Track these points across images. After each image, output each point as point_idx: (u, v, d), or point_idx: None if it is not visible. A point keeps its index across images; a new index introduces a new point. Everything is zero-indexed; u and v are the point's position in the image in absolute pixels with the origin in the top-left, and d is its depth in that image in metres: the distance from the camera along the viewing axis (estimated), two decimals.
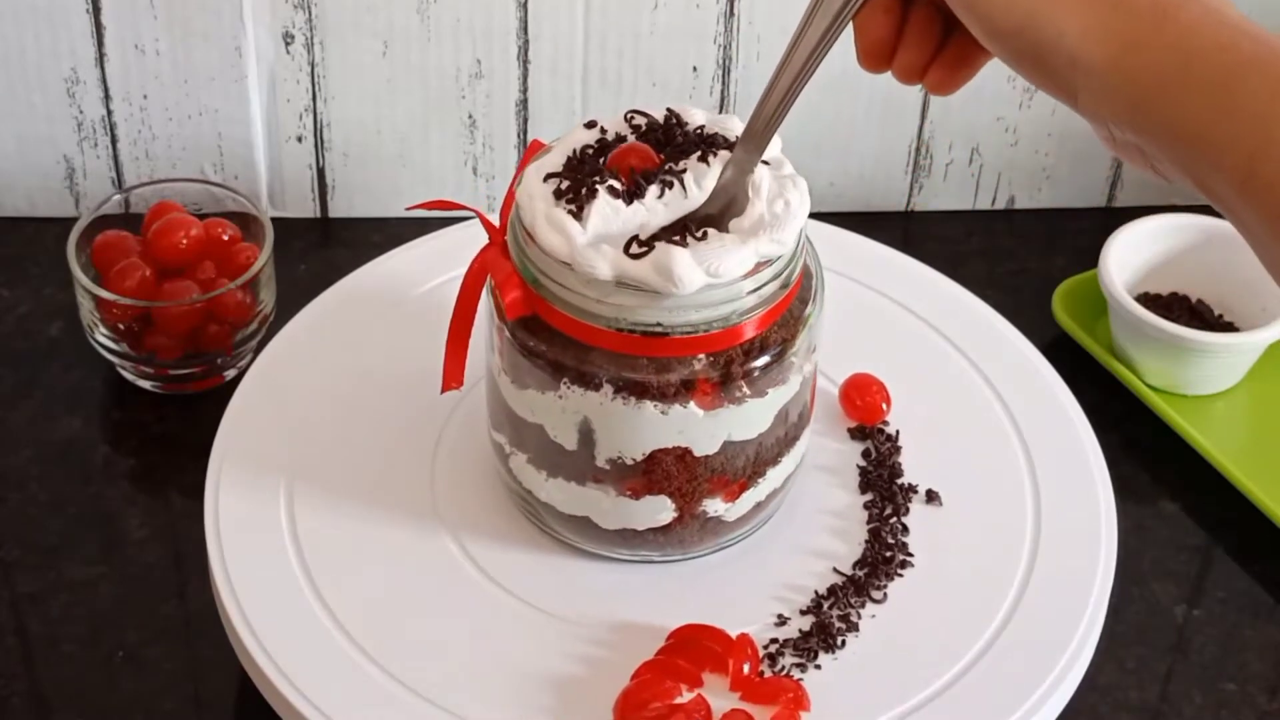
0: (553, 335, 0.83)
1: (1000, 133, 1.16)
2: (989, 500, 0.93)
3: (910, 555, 0.90)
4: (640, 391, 0.82)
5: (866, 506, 0.92)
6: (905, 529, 0.91)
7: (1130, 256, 1.08)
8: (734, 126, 0.84)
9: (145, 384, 1.04)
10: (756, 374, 0.83)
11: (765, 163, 0.83)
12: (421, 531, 0.90)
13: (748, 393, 0.83)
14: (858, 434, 0.96)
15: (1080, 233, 1.17)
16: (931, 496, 0.92)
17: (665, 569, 0.90)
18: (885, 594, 0.88)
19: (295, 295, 1.04)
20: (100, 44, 1.08)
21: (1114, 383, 1.06)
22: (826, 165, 1.15)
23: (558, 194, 0.81)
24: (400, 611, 0.87)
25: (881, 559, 0.89)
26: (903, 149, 1.16)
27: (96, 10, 1.07)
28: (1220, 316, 1.09)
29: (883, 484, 0.93)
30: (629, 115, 0.85)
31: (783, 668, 0.85)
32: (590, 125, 0.85)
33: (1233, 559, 0.99)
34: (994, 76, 1.13)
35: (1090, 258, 1.08)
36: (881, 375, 0.98)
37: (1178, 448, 1.03)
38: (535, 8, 1.08)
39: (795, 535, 0.91)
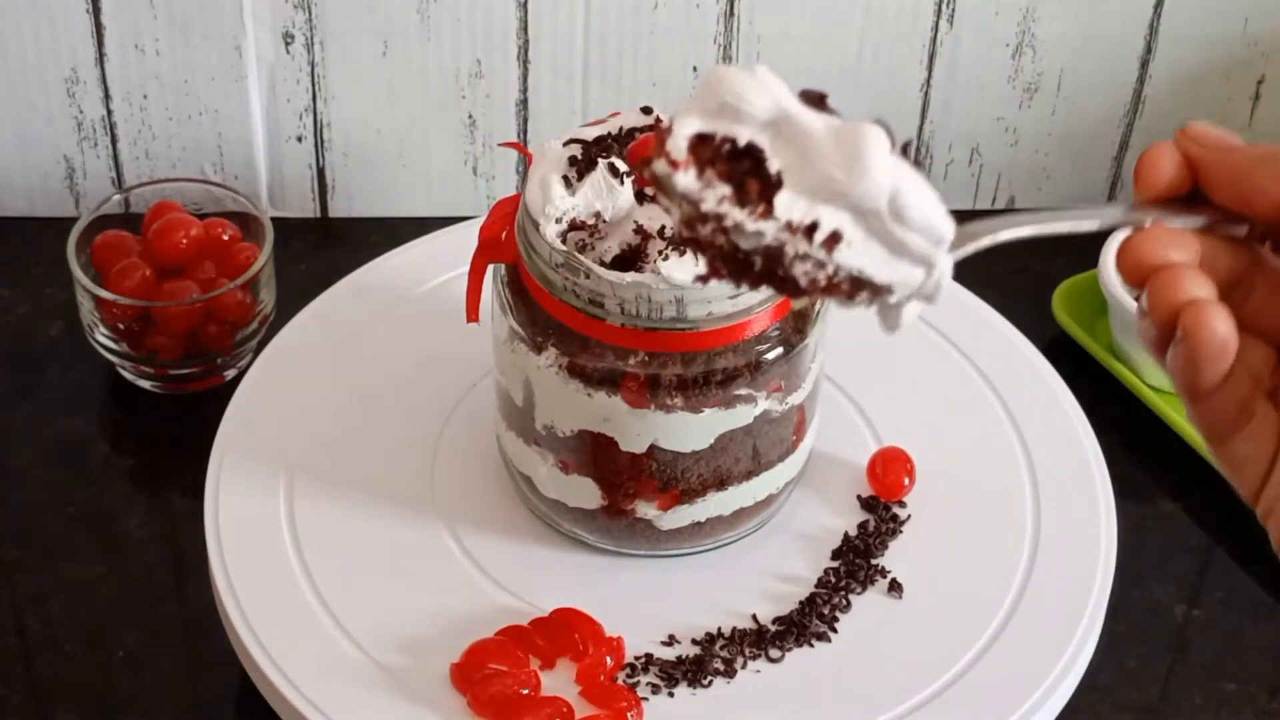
0: (522, 289, 0.84)
1: (1000, 133, 1.16)
2: (988, 500, 0.93)
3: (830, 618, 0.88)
4: (571, 368, 0.83)
5: (827, 572, 0.90)
6: (882, 549, 0.91)
7: None
8: None
9: (145, 384, 1.04)
10: (692, 388, 0.83)
11: None
12: (422, 531, 0.90)
13: (679, 403, 0.83)
14: (868, 504, 0.93)
15: (1080, 233, 1.17)
16: (894, 587, 0.89)
17: (667, 569, 0.90)
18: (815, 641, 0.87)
19: (295, 295, 1.04)
20: (100, 44, 1.08)
21: (1114, 383, 1.06)
22: None
23: (571, 160, 0.84)
24: (401, 611, 0.87)
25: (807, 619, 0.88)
26: None
27: (96, 10, 1.07)
28: None
29: (856, 558, 0.90)
30: None
31: (637, 683, 0.85)
32: (647, 111, 0.87)
33: (1233, 559, 0.99)
34: (994, 76, 1.13)
35: (1090, 258, 1.08)
36: (881, 375, 0.98)
37: (1178, 448, 1.03)
38: (535, 8, 1.08)
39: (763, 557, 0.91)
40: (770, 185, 0.54)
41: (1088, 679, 0.88)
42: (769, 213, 0.54)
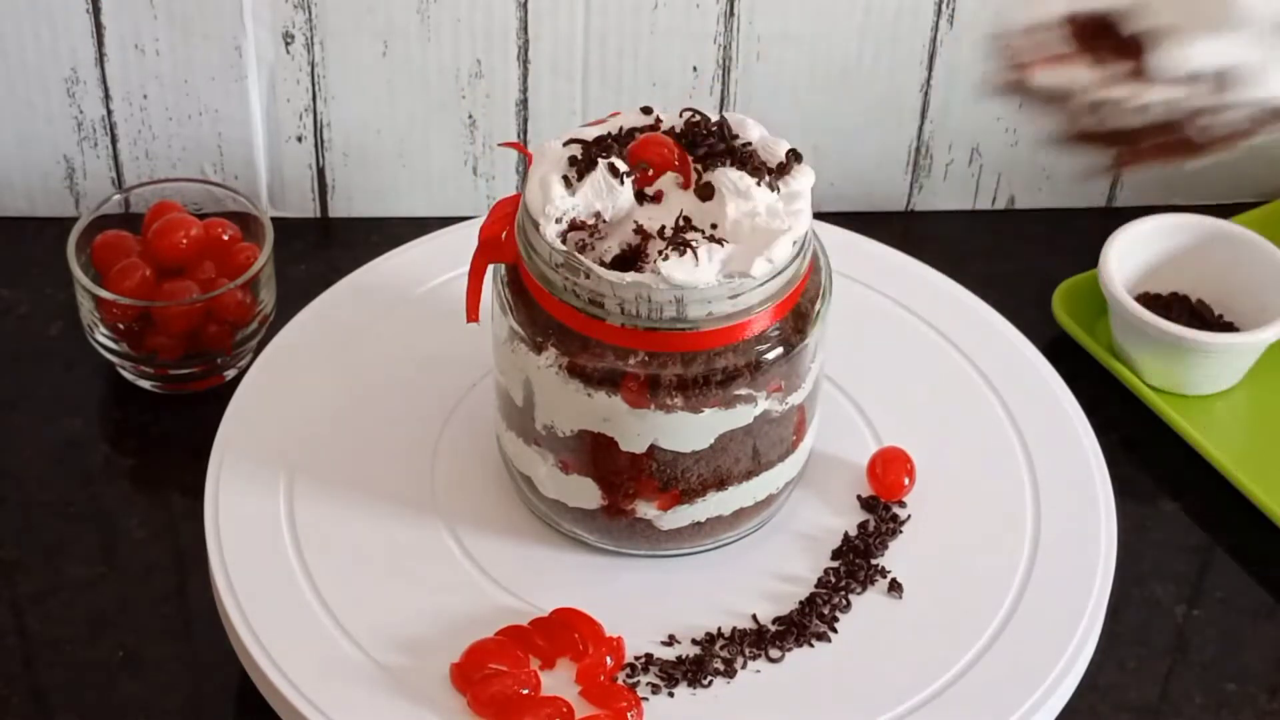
0: (522, 289, 0.84)
1: (1000, 133, 1.16)
2: (988, 500, 0.93)
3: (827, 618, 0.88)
4: (572, 368, 0.83)
5: (827, 572, 0.90)
6: (882, 548, 0.91)
7: (1130, 256, 1.08)
8: (779, 152, 0.85)
9: (145, 384, 1.04)
10: (692, 388, 0.83)
11: (775, 189, 0.83)
12: (422, 531, 0.90)
13: (679, 403, 0.83)
14: (868, 504, 0.93)
15: (1080, 233, 1.17)
16: (894, 587, 0.89)
17: (667, 569, 0.90)
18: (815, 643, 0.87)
19: (295, 295, 1.04)
20: (100, 44, 1.08)
21: (1114, 383, 1.06)
22: (827, 165, 1.15)
23: (571, 160, 0.84)
24: (401, 611, 0.87)
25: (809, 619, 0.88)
26: (903, 149, 1.16)
27: (96, 10, 1.07)
28: (1220, 316, 1.09)
29: (856, 558, 0.90)
30: (683, 111, 0.87)
31: (637, 683, 0.85)
32: (647, 111, 0.87)
33: (1233, 559, 0.99)
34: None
35: (1090, 258, 1.08)
36: (881, 375, 0.98)
37: (1178, 448, 1.03)
38: (535, 8, 1.08)
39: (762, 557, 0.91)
40: (1144, 46, 0.48)
41: (1088, 679, 0.88)
42: (1152, 76, 0.49)
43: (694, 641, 0.86)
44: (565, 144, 0.85)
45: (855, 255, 1.04)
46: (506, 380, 0.88)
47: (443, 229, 1.05)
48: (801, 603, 0.88)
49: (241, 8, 1.07)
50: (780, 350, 0.84)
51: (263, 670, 0.84)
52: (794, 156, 0.85)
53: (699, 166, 0.85)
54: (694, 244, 0.81)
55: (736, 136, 0.86)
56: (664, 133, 0.86)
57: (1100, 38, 0.49)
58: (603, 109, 1.11)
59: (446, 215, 1.14)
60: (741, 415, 0.84)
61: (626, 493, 0.87)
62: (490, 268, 0.87)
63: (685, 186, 0.84)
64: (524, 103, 1.12)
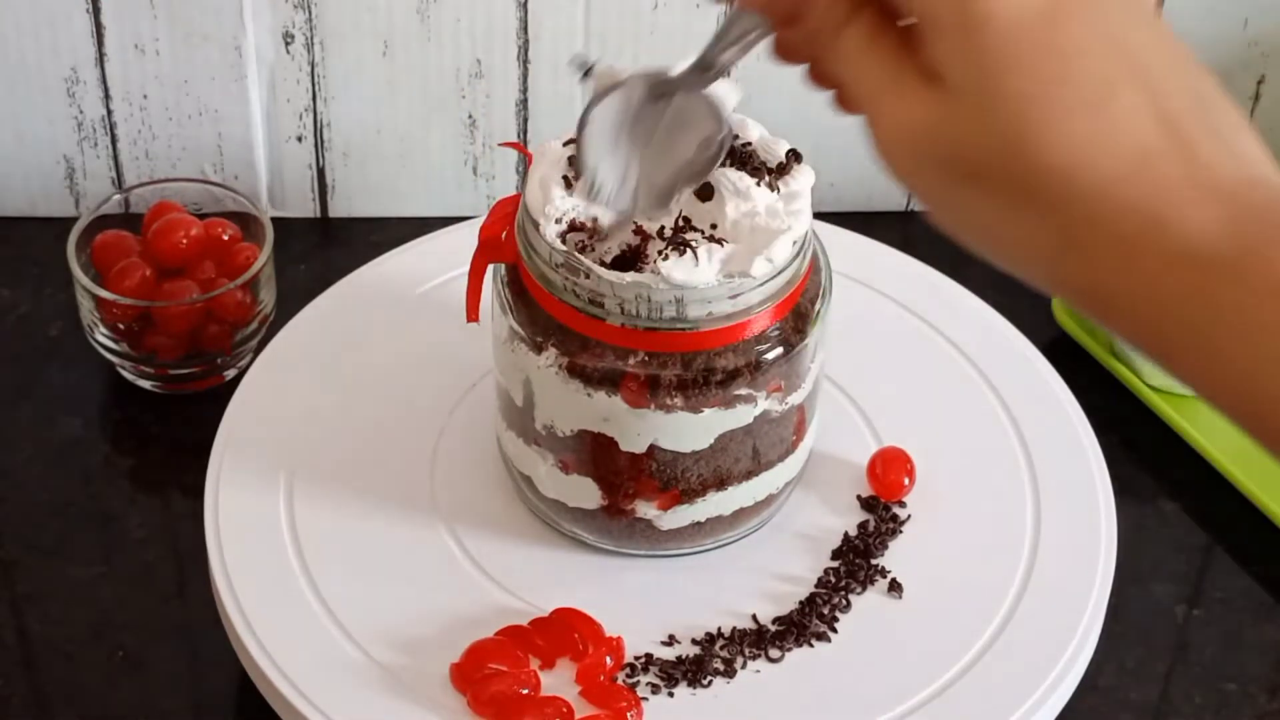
0: (522, 289, 0.84)
1: None
2: (988, 500, 0.93)
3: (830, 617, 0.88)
4: (571, 368, 0.83)
5: (827, 572, 0.90)
6: (882, 548, 0.91)
7: None
8: (779, 152, 0.85)
9: (145, 384, 1.04)
10: (692, 388, 0.83)
11: (775, 189, 0.83)
12: (422, 531, 0.90)
13: (679, 403, 0.83)
14: (868, 504, 0.93)
15: None
16: (894, 587, 0.89)
17: (667, 569, 0.90)
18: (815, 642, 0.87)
19: (295, 295, 1.04)
20: (100, 44, 1.08)
21: (1114, 383, 1.06)
22: (826, 165, 1.15)
23: (571, 161, 0.84)
24: (401, 611, 0.87)
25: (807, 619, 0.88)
26: None
27: (96, 10, 1.07)
28: None
29: (856, 558, 0.90)
30: None
31: (636, 683, 0.85)
32: None
33: (1233, 559, 0.99)
34: None
35: None
36: (881, 375, 0.98)
37: (1178, 448, 1.03)
38: (535, 8, 1.08)
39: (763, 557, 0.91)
40: None
41: (1088, 679, 0.88)
42: None
43: (694, 641, 0.86)
44: (565, 144, 0.85)
45: (855, 255, 1.04)
46: (506, 380, 0.88)
47: (443, 229, 1.05)
48: (801, 603, 0.88)
49: (241, 8, 1.07)
50: (780, 350, 0.84)
51: (263, 670, 0.84)
52: (794, 156, 0.85)
53: None
54: (694, 244, 0.81)
55: (736, 136, 0.86)
56: None
57: None
58: None
59: (446, 215, 1.14)
60: (741, 415, 0.84)
61: (626, 493, 0.87)
62: (490, 268, 0.87)
63: None
64: (524, 103, 1.12)
